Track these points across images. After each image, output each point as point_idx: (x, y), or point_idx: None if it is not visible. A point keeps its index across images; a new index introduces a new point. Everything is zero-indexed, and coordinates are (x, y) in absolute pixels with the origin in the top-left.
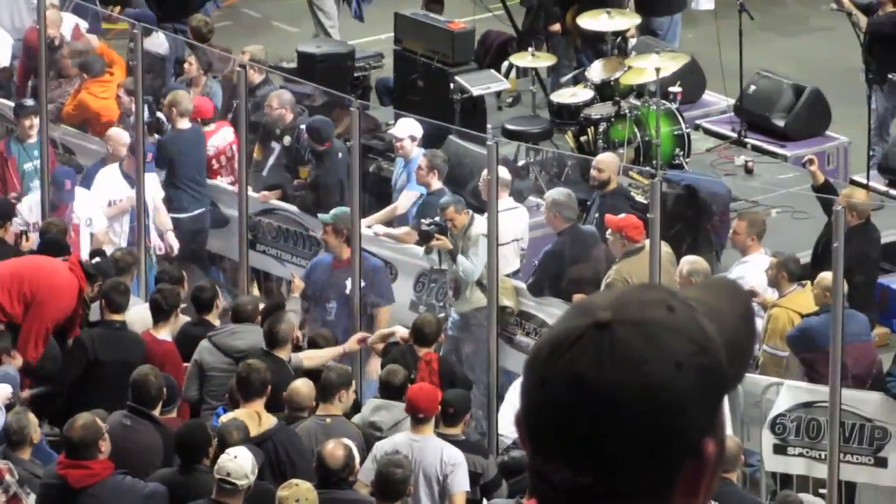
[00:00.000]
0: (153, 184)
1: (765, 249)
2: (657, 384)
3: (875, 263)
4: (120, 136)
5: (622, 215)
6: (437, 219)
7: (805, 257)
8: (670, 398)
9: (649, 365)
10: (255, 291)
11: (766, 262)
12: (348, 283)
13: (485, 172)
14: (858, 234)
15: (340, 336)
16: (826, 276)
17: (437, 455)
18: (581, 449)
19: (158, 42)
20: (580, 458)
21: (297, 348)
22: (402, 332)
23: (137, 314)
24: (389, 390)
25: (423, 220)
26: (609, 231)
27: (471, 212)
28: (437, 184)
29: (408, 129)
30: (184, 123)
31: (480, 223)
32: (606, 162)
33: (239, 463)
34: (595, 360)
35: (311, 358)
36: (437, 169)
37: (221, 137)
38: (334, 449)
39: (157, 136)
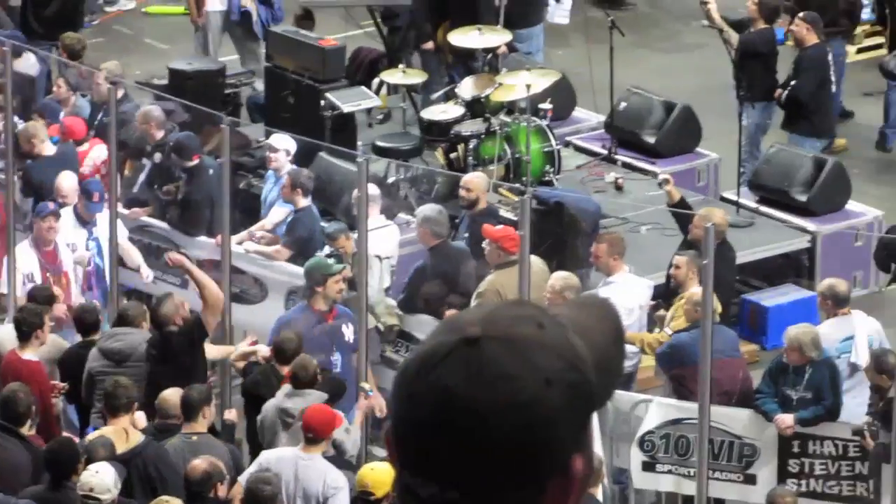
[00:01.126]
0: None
1: (629, 267)
2: (526, 400)
3: (730, 285)
4: (63, 182)
5: (500, 226)
6: (329, 250)
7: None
8: (539, 414)
9: (518, 381)
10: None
11: (632, 279)
12: (345, 330)
13: (355, 190)
14: (715, 254)
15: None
16: (696, 293)
17: (322, 477)
18: (449, 464)
19: (30, 64)
20: (448, 474)
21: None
22: (263, 351)
23: (7, 333)
24: (302, 381)
25: (319, 253)
26: (486, 241)
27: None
28: (303, 201)
29: (285, 143)
30: (48, 149)
31: (371, 244)
32: (474, 182)
33: (101, 478)
34: (464, 375)
35: (208, 352)
36: (302, 187)
37: (96, 154)
38: (198, 464)
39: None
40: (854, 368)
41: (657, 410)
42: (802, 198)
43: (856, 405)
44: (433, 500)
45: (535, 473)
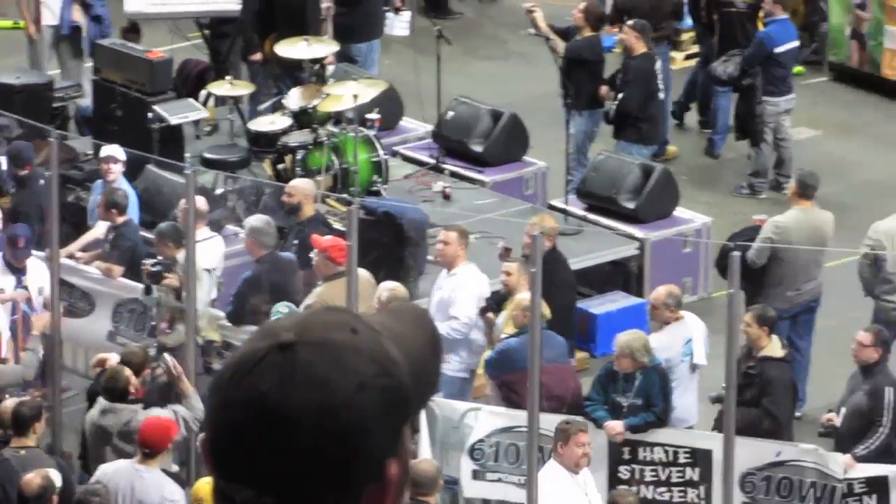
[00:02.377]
0: (39, 270)
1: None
2: (339, 405)
3: (572, 287)
4: None
5: (328, 237)
6: (158, 258)
7: (497, 284)
8: (352, 420)
9: (331, 386)
10: None
11: (475, 271)
12: None
13: (182, 202)
14: (548, 259)
15: None
16: (524, 298)
17: (160, 490)
18: (263, 469)
19: None
20: (262, 479)
21: None
22: (114, 360)
23: None
24: (113, 394)
25: (146, 262)
26: (315, 252)
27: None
28: (120, 218)
29: (118, 153)
30: None
31: (199, 256)
32: (297, 187)
33: None
34: (277, 381)
35: None
36: (116, 206)
37: None
38: (32, 478)
39: None
40: (694, 369)
41: (487, 419)
42: (630, 205)
43: (691, 404)
44: None
45: (349, 478)
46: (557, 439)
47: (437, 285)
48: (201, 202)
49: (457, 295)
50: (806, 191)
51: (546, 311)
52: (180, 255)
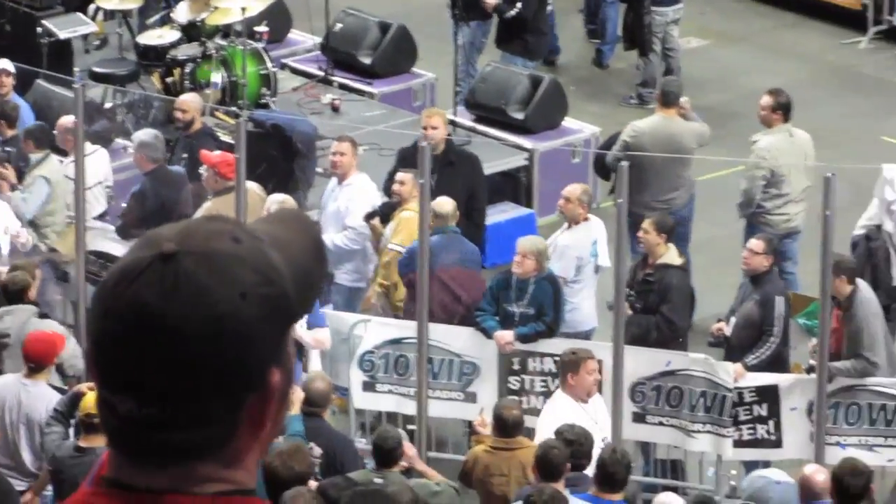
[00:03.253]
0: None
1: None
2: (221, 314)
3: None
4: None
5: (217, 152)
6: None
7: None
8: (234, 328)
9: (213, 295)
10: None
11: (367, 180)
12: (302, 332)
13: (61, 120)
14: (468, 158)
15: None
16: (442, 202)
17: (45, 403)
18: (145, 380)
19: None
20: (145, 389)
21: None
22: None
23: None
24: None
25: None
26: (203, 167)
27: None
28: (11, 131)
29: (8, 66)
30: None
31: (45, 167)
32: (189, 103)
33: None
34: (159, 290)
35: None
36: (7, 118)
37: None
38: None
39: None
40: (597, 270)
41: (376, 330)
42: (519, 115)
43: (593, 307)
44: (131, 416)
45: (232, 387)
46: (567, 370)
47: (328, 196)
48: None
49: (352, 205)
50: (667, 98)
51: (445, 209)
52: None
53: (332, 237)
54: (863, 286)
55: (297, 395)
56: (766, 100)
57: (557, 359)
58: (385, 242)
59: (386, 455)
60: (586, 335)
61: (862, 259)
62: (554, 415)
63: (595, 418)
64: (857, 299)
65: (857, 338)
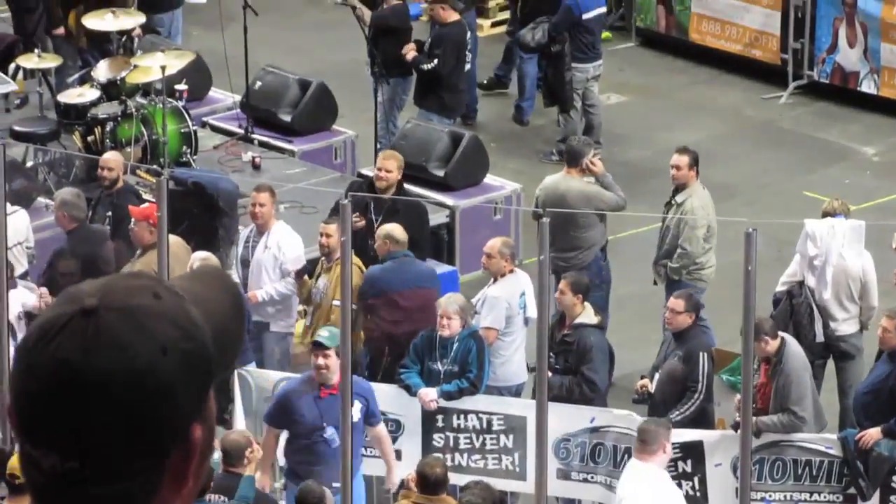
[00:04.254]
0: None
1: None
2: (142, 369)
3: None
4: None
5: (146, 205)
6: None
7: (314, 252)
8: (155, 383)
9: (134, 349)
10: None
11: (289, 230)
12: (352, 409)
13: None
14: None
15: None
16: (392, 228)
17: None
18: (67, 435)
19: None
20: (67, 444)
21: None
22: None
23: None
24: None
25: None
26: (133, 221)
27: None
28: None
29: None
30: None
31: None
32: (115, 160)
33: None
34: (80, 345)
35: None
36: None
37: None
38: None
39: None
40: (527, 323)
41: None
42: (440, 172)
43: (519, 360)
44: (54, 471)
45: (153, 442)
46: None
47: (249, 247)
48: None
49: (287, 250)
50: (567, 157)
51: (401, 235)
52: None
53: (273, 286)
54: (790, 340)
55: (256, 454)
56: (684, 159)
57: (482, 415)
58: (322, 298)
59: None
60: (516, 390)
61: (785, 316)
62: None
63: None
64: (785, 353)
65: (786, 392)
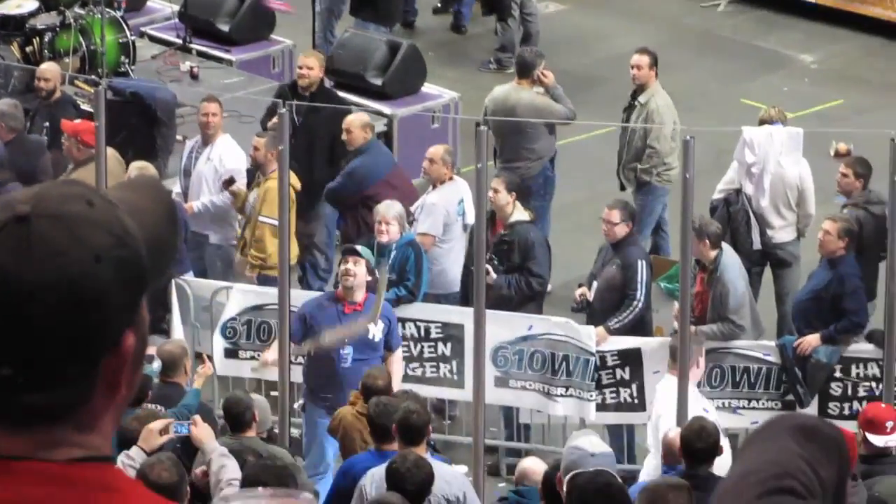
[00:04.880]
0: None
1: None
2: (75, 276)
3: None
4: None
5: (78, 120)
6: None
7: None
8: (89, 291)
9: (68, 257)
10: None
11: (233, 143)
12: (374, 329)
13: None
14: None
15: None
16: (352, 118)
17: None
18: (1, 341)
19: None
20: (1, 350)
21: None
22: None
23: None
24: None
25: None
26: (65, 136)
27: None
28: None
29: None
30: None
31: None
32: (51, 71)
33: None
34: (14, 253)
35: None
36: None
37: None
38: None
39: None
40: (466, 230)
41: (238, 297)
42: (378, 81)
43: (458, 268)
44: None
45: (86, 348)
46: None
47: (192, 158)
48: None
49: (226, 163)
50: (518, 68)
51: (369, 120)
52: None
53: (210, 197)
54: (727, 249)
55: (206, 370)
56: (644, 59)
57: (420, 324)
58: (251, 212)
59: (235, 420)
60: (455, 297)
61: (722, 223)
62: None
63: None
64: (722, 262)
65: (724, 301)
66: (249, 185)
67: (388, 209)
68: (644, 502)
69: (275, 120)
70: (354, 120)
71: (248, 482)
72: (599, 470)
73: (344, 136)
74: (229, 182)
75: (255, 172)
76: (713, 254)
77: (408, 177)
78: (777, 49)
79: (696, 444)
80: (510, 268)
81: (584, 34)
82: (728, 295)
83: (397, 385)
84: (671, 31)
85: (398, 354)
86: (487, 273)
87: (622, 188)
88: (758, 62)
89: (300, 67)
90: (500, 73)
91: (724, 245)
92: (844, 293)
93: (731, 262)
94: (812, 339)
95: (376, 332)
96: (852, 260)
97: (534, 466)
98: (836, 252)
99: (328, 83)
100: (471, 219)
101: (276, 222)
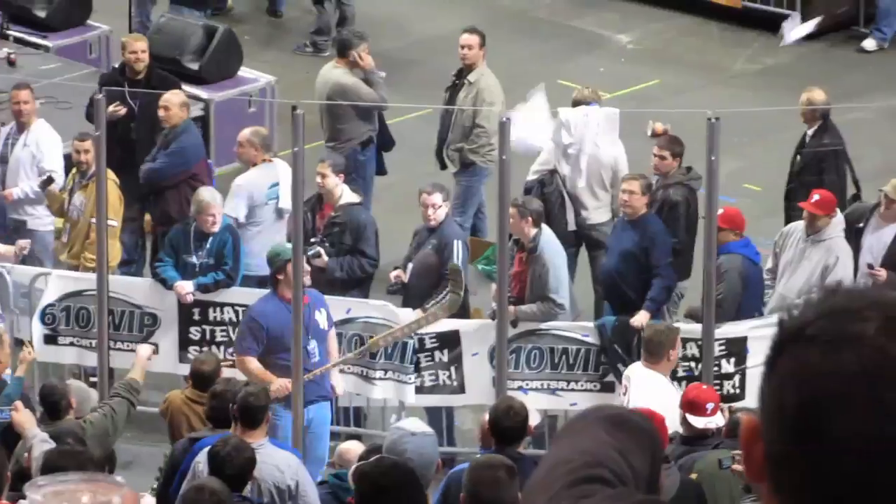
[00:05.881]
0: None
1: None
2: None
3: None
4: None
5: None
6: None
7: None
8: None
9: None
10: None
11: (49, 129)
12: (318, 317)
13: None
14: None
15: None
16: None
17: None
18: None
19: None
20: None
21: None
22: None
23: None
24: None
25: None
26: None
27: None
28: None
29: None
30: None
31: None
32: None
33: None
34: None
35: None
36: None
37: None
38: None
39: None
40: (280, 214)
41: (57, 283)
42: (194, 66)
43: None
44: None
45: None
46: (668, 347)
47: (7, 145)
48: None
49: (44, 148)
50: (337, 49)
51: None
52: None
53: (29, 184)
54: (545, 229)
55: (28, 356)
56: (474, 38)
57: (238, 308)
58: (81, 215)
59: (51, 408)
60: (264, 280)
61: None
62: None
63: None
64: (541, 241)
65: (543, 280)
66: (68, 186)
67: (214, 198)
68: (469, 482)
69: (112, 109)
70: (173, 98)
71: (47, 468)
72: (382, 456)
73: (161, 114)
74: (47, 182)
75: (72, 173)
76: (533, 232)
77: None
78: (593, 29)
79: (503, 423)
80: (342, 250)
81: (399, 16)
82: (548, 274)
83: (335, 357)
84: (487, 13)
85: (332, 333)
86: (319, 256)
87: (443, 168)
88: (574, 43)
89: (132, 52)
90: (315, 56)
91: (543, 225)
92: (657, 246)
93: (549, 241)
94: (642, 317)
95: (322, 319)
96: (656, 216)
97: (352, 449)
98: (642, 210)
99: None
100: (285, 203)
101: (115, 223)
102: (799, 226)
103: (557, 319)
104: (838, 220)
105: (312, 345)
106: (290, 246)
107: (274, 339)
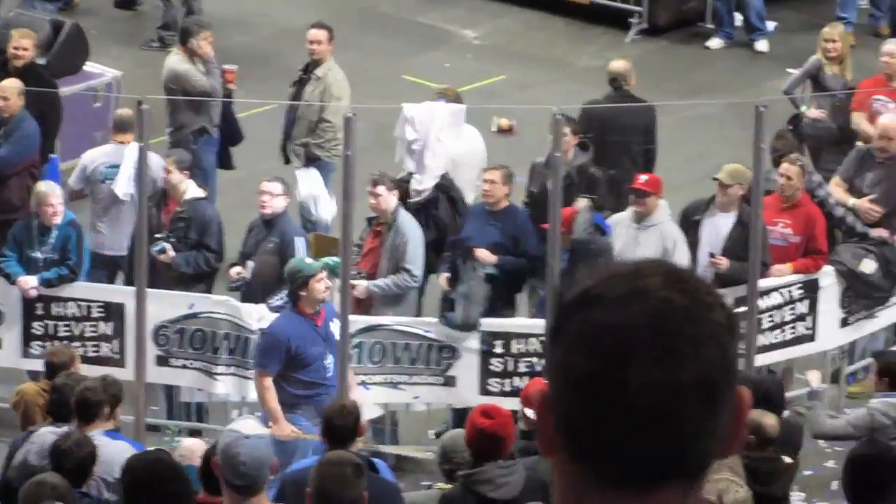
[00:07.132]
0: None
1: None
2: None
3: None
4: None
5: None
6: None
7: None
8: None
9: None
10: None
11: None
12: (333, 329)
13: None
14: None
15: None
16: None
17: None
18: None
19: None
20: None
21: None
22: None
23: None
24: None
25: None
26: None
27: None
28: None
29: None
30: None
31: None
32: None
33: None
34: None
35: None
36: None
37: None
38: None
39: None
40: (117, 199)
41: None
42: (41, 61)
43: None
44: None
45: None
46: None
47: None
48: None
49: None
50: (179, 36)
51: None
52: None
53: None
54: (402, 208)
55: None
56: (323, 33)
57: (81, 303)
58: None
59: None
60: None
61: None
62: None
63: None
64: (400, 213)
65: (402, 250)
66: None
67: (52, 189)
68: (315, 478)
69: None
70: (13, 87)
71: None
72: (148, 451)
73: (0, 104)
74: None
75: None
76: (395, 203)
77: None
78: (439, 25)
79: (335, 422)
80: (188, 245)
81: (246, 12)
82: (406, 244)
83: None
84: (332, 8)
85: None
86: (164, 252)
87: (287, 163)
88: (420, 38)
89: (14, 47)
90: (162, 51)
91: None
92: (527, 235)
93: (408, 217)
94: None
95: (336, 331)
96: (516, 206)
97: (193, 447)
98: (503, 201)
99: None
100: (120, 189)
101: None
102: (624, 215)
103: (411, 290)
104: (664, 204)
105: (329, 359)
106: (311, 262)
107: (295, 357)
